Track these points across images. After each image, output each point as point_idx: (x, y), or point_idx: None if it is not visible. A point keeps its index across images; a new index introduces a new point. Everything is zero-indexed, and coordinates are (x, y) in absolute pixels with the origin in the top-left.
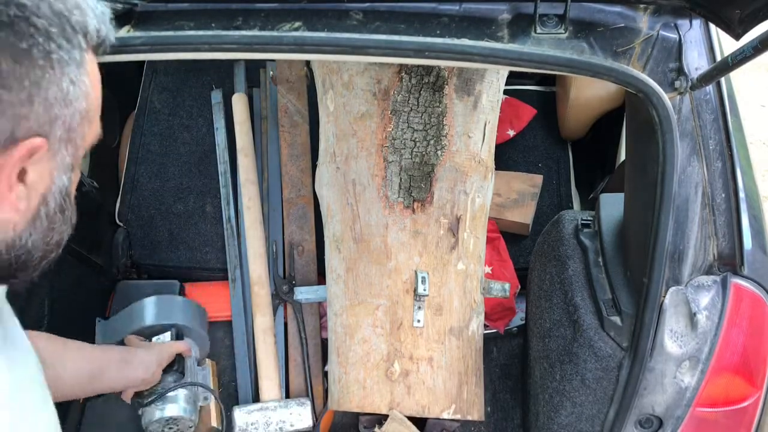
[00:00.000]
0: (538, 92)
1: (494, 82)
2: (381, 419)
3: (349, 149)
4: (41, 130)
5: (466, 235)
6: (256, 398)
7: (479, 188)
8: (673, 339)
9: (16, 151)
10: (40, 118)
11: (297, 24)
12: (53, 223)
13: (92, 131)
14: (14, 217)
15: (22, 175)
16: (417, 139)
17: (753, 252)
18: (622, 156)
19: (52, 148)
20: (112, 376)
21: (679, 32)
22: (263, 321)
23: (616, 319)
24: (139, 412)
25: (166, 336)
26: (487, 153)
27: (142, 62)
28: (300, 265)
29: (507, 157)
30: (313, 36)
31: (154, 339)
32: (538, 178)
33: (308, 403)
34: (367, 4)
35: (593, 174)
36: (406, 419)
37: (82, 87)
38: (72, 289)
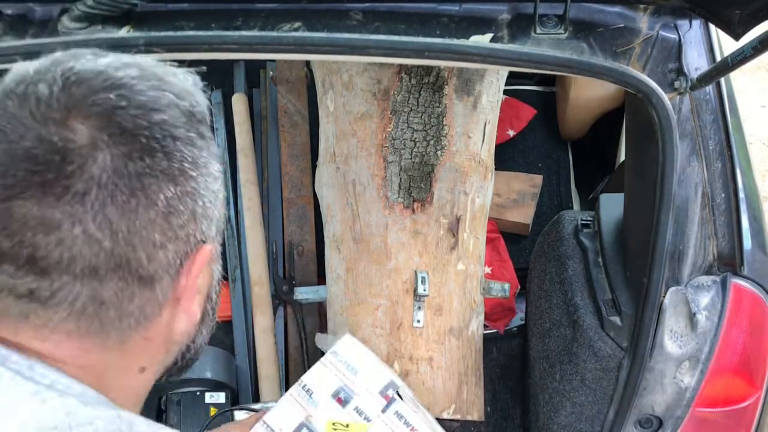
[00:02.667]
0: (538, 92)
1: (494, 82)
2: None
3: (349, 149)
4: (204, 237)
5: (466, 236)
6: (256, 398)
7: (479, 188)
8: (672, 339)
9: (194, 269)
10: (203, 226)
11: (297, 24)
12: (214, 312)
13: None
14: (192, 327)
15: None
16: (417, 139)
17: (753, 252)
18: (622, 156)
19: (211, 246)
20: None
21: (678, 32)
22: (263, 321)
23: (616, 319)
24: None
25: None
26: (487, 153)
27: None
28: (300, 265)
29: (507, 157)
30: (313, 36)
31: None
32: (538, 178)
33: None
34: (367, 4)
35: (593, 174)
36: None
37: (220, 175)
38: None
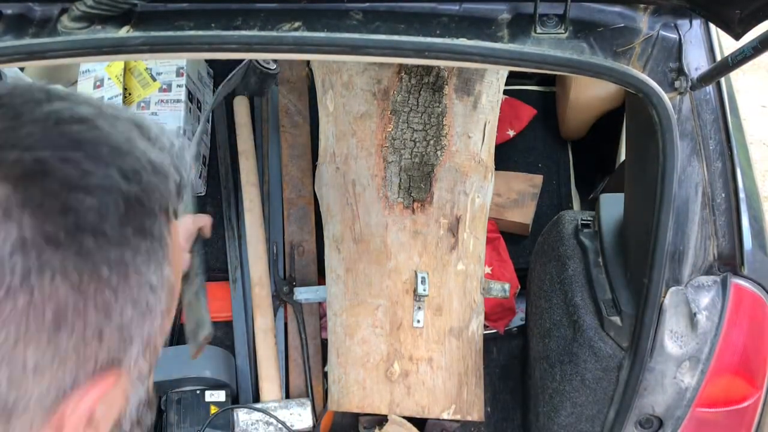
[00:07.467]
0: (538, 92)
1: (494, 82)
2: (381, 420)
3: (349, 149)
4: (115, 359)
5: (466, 236)
6: (256, 399)
7: (479, 188)
8: (673, 339)
9: (87, 399)
10: (112, 349)
11: (297, 24)
12: None
13: (172, 316)
14: None
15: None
16: (417, 139)
17: (753, 252)
18: (622, 156)
19: (127, 369)
20: None
21: (679, 32)
22: (264, 321)
23: (616, 319)
24: None
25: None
26: (487, 153)
27: None
28: (300, 265)
29: (507, 157)
30: (313, 36)
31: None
32: (538, 178)
33: (308, 403)
34: (367, 4)
35: (593, 174)
36: (406, 422)
37: (166, 284)
38: None
